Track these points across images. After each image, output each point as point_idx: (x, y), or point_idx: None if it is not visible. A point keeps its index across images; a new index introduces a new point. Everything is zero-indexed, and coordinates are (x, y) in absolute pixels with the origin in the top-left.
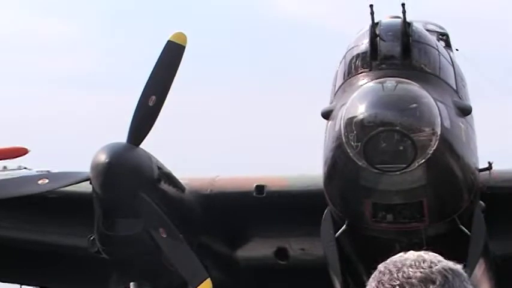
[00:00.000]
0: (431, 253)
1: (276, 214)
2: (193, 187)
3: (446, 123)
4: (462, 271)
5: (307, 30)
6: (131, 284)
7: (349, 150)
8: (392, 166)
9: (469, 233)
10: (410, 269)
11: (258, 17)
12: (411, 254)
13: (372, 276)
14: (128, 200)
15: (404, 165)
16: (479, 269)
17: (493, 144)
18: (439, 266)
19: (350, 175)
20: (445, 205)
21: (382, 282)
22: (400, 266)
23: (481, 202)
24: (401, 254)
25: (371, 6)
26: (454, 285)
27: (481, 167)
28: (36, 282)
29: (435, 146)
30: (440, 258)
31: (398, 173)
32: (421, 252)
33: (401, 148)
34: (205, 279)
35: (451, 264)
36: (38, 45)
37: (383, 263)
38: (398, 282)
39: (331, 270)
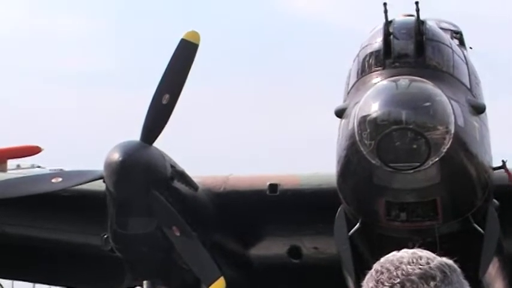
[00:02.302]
0: (424, 250)
1: (289, 213)
2: (207, 185)
3: (460, 122)
4: (456, 266)
5: (320, 28)
6: (144, 282)
7: (362, 149)
8: (406, 165)
9: (482, 231)
10: (409, 266)
11: (271, 14)
12: (405, 252)
13: (368, 276)
14: (141, 198)
15: (418, 164)
16: (493, 268)
17: (507, 142)
18: (436, 262)
19: (363, 173)
20: (458, 203)
21: (381, 281)
22: (397, 264)
23: (494, 200)
24: (393, 253)
25: (385, 4)
26: (453, 280)
27: (494, 165)
28: (49, 280)
29: (449, 145)
30: (433, 254)
31: (411, 171)
32: (414, 250)
33: (414, 146)
34: (218, 278)
35: (445, 259)
36: (52, 42)
37: (377, 262)
38: (398, 280)
39: (344, 269)
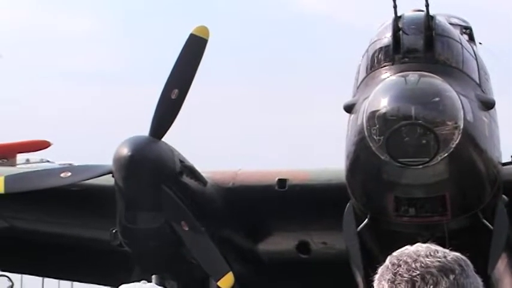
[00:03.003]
0: (435, 245)
1: (298, 208)
2: (215, 180)
3: (469, 117)
4: (469, 261)
5: (329, 25)
6: (153, 277)
7: (371, 144)
8: (415, 160)
9: (491, 227)
10: (427, 259)
11: (280, 11)
12: (420, 246)
13: (382, 269)
14: (150, 193)
15: (427, 159)
16: (502, 264)
17: None
18: (452, 256)
19: (372, 169)
20: (467, 199)
21: (399, 274)
22: (415, 256)
23: (504, 196)
24: (407, 247)
25: None
26: (469, 274)
27: (504, 161)
28: (58, 274)
29: (458, 140)
30: (446, 249)
31: (420, 166)
32: (427, 244)
33: (423, 142)
34: (227, 273)
35: (458, 254)
36: (60, 41)
37: (391, 256)
38: (418, 272)
39: (353, 264)
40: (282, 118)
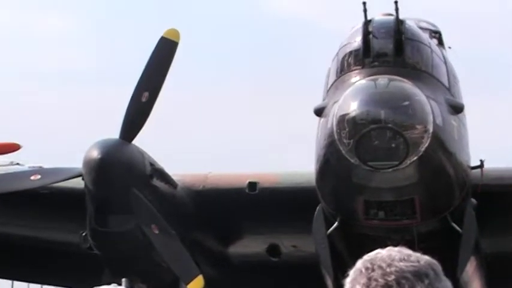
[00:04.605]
0: (405, 249)
1: (268, 211)
2: (186, 183)
3: (439, 121)
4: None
5: (302, 28)
6: (123, 280)
7: (341, 148)
8: (385, 163)
9: (460, 230)
10: (402, 263)
11: (256, 15)
12: (392, 250)
13: (355, 274)
14: (120, 196)
15: (397, 163)
16: (471, 266)
17: (486, 142)
18: (425, 260)
19: (342, 172)
20: (436, 202)
21: (374, 279)
22: (389, 261)
23: (472, 199)
24: (378, 250)
25: (364, 3)
26: (442, 278)
27: (472, 164)
28: (28, 278)
29: (427, 144)
30: (417, 253)
31: (390, 170)
32: (399, 248)
33: (393, 145)
34: (197, 276)
35: (430, 258)
36: (30, 40)
37: (364, 259)
38: (393, 277)
39: (322, 267)
40: (254, 119)
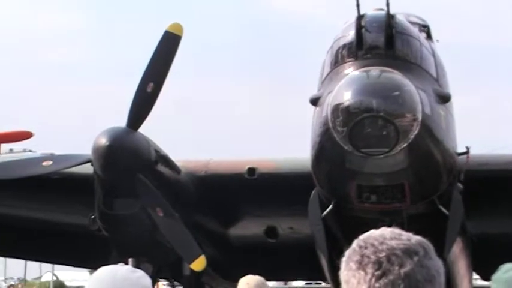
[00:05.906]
0: (398, 229)
1: (267, 195)
2: (189, 169)
3: (427, 110)
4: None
5: (294, 24)
6: (129, 260)
7: (335, 135)
8: (376, 150)
9: (447, 212)
10: (393, 241)
11: (253, 11)
12: (385, 230)
13: (350, 252)
14: (126, 180)
15: (387, 149)
16: (457, 247)
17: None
18: (416, 239)
19: (336, 158)
20: (425, 187)
21: (366, 255)
22: (381, 239)
23: (459, 184)
24: (372, 230)
25: None
26: (432, 256)
27: (459, 151)
28: (40, 258)
29: (416, 131)
30: (409, 233)
31: (381, 156)
32: (392, 229)
33: (384, 133)
34: (199, 256)
35: (422, 238)
36: (41, 35)
37: (358, 239)
38: (384, 254)
39: (317, 248)
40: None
